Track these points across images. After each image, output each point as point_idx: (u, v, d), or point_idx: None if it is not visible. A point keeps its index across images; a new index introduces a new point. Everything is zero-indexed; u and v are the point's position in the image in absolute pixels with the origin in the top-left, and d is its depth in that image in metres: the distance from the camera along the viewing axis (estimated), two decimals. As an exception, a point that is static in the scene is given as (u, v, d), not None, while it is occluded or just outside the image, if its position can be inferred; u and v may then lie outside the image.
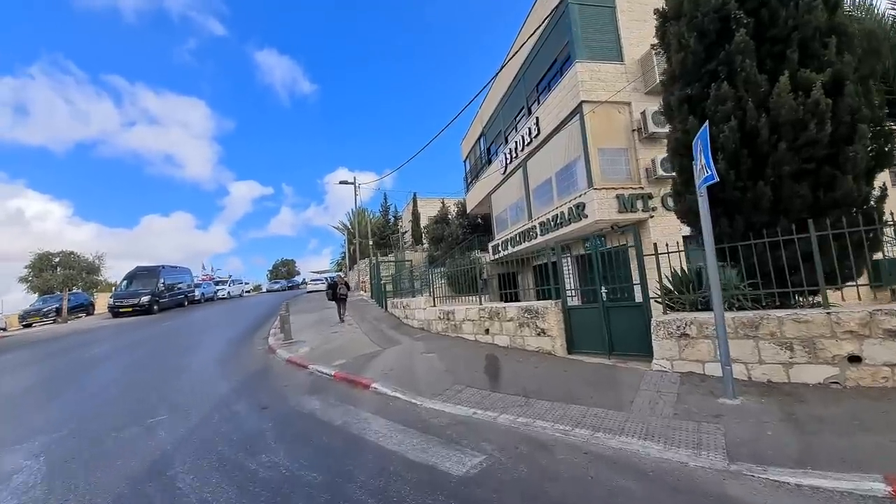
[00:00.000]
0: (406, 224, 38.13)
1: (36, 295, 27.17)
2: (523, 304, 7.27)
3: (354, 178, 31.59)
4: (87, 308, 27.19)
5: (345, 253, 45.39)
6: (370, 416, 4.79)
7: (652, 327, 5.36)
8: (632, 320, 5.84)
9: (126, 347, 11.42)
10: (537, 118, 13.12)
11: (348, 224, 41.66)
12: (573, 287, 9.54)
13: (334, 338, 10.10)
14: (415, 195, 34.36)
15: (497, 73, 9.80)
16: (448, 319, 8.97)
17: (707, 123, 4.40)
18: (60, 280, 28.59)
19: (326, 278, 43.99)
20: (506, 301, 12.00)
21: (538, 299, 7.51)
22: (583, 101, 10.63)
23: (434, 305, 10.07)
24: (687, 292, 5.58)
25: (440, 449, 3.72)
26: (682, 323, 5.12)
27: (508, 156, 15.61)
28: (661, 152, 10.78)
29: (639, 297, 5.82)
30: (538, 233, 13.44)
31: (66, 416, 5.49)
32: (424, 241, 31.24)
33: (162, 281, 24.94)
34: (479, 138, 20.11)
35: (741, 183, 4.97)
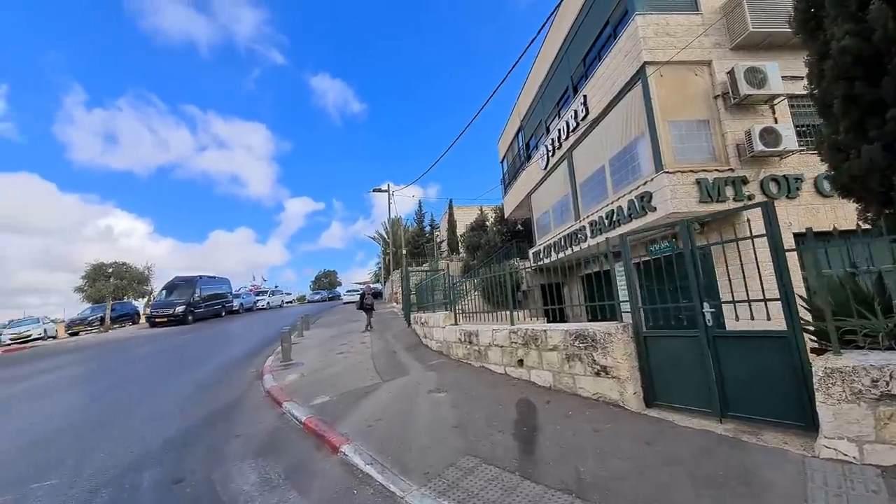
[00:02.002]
0: (443, 233, 36.46)
1: (88, 304, 28.26)
2: (572, 326, 5.04)
3: (388, 186, 30.43)
4: (133, 317, 27.91)
5: (380, 264, 44.59)
6: (311, 521, 2.84)
7: (816, 378, 2.97)
8: (764, 361, 3.48)
9: (124, 364, 10.42)
10: (585, 97, 10.86)
11: (384, 233, 40.77)
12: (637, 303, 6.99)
13: (335, 361, 8.34)
14: (450, 202, 32.65)
15: (533, 39, 7.81)
16: (470, 343, 6.87)
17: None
18: (111, 290, 29.68)
19: (363, 289, 43.45)
20: (550, 320, 9.68)
21: (589, 318, 5.25)
22: (646, 63, 8.28)
23: (455, 323, 8.01)
24: (868, 316, 3.16)
25: None
26: (884, 374, 2.72)
27: (550, 147, 13.38)
28: (759, 121, 8.14)
29: (763, 318, 3.45)
30: (588, 234, 11.03)
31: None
32: (461, 249, 29.29)
33: (198, 291, 24.95)
34: (516, 134, 17.99)
35: None
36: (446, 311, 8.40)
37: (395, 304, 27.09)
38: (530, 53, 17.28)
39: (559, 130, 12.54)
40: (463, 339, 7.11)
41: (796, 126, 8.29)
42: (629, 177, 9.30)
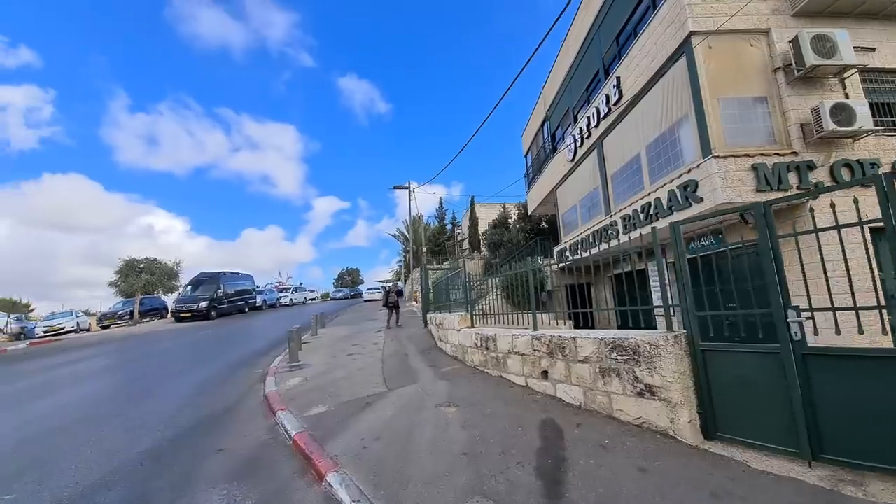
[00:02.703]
0: (465, 231, 35.69)
1: (120, 299, 29.14)
2: (608, 334, 4.21)
3: (409, 183, 29.93)
4: (161, 312, 28.56)
5: (401, 262, 44.33)
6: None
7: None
8: (878, 390, 2.58)
9: (135, 360, 10.25)
10: (618, 79, 9.87)
11: (405, 231, 40.40)
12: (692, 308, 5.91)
13: (343, 364, 7.77)
14: (472, 199, 31.82)
15: (561, 14, 6.98)
16: (487, 349, 6.11)
17: None
18: (142, 285, 30.53)
19: (384, 287, 43.33)
20: (578, 324, 8.82)
21: (618, 324, 4.42)
22: (692, 33, 7.26)
23: (472, 326, 7.26)
24: None
25: None
26: None
27: (578, 138, 12.40)
28: (828, 96, 6.99)
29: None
30: (619, 230, 10.05)
31: None
32: (482, 247, 28.46)
33: (221, 287, 25.22)
34: (542, 125, 17.01)
35: None
36: (462, 312, 7.66)
37: (414, 302, 26.59)
38: (557, 38, 16.27)
39: (588, 118, 11.56)
40: (479, 345, 6.36)
41: (870, 104, 7.08)
42: (669, 165, 8.28)
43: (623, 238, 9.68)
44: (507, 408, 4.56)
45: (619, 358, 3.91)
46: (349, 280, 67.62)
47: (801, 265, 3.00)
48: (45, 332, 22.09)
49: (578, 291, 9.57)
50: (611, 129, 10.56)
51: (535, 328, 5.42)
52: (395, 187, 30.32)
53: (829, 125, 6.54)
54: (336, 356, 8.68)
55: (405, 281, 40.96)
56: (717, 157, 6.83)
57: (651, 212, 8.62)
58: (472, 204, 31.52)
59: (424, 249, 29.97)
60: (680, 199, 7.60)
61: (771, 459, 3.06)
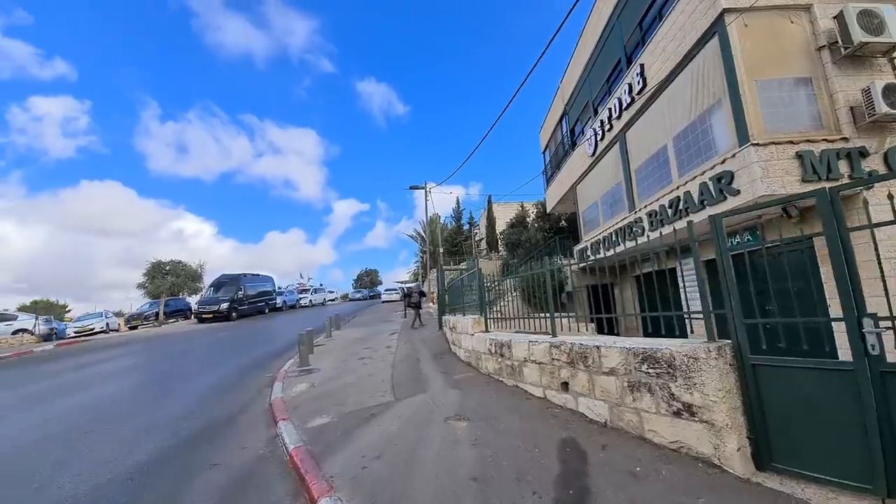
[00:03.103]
0: (482, 231, 35.16)
1: (147, 300, 30.02)
2: (637, 344, 3.73)
3: (425, 183, 29.68)
4: (185, 312, 29.15)
5: (419, 262, 44.18)
6: None
7: None
8: None
9: (149, 362, 10.30)
10: (641, 66, 9.26)
11: (422, 232, 40.18)
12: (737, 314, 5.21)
13: (353, 369, 7.48)
14: (489, 198, 31.31)
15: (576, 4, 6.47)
16: (502, 356, 5.68)
17: None
18: (167, 286, 31.36)
19: (402, 288, 43.25)
20: (599, 329, 8.32)
21: (650, 330, 3.93)
22: (725, 10, 6.64)
23: (486, 330, 6.83)
24: None
25: None
26: None
27: (598, 131, 11.81)
28: (879, 76, 6.26)
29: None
30: (645, 227, 9.44)
31: None
32: (500, 247, 27.90)
33: (242, 289, 25.53)
34: (559, 120, 16.42)
35: None
36: (476, 315, 7.25)
37: (431, 304, 26.30)
38: (574, 30, 15.58)
39: (609, 110, 10.97)
40: (493, 351, 5.93)
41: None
42: (700, 155, 7.65)
43: (651, 236, 9.08)
44: (522, 423, 4.13)
45: (650, 371, 3.43)
46: (368, 281, 68.08)
47: (879, 263, 2.47)
48: (75, 332, 22.82)
49: (602, 292, 9.03)
50: (634, 120, 9.95)
51: (554, 334, 4.97)
52: (411, 187, 30.19)
53: (882, 108, 5.83)
54: (347, 360, 8.41)
55: (423, 282, 40.77)
56: (757, 144, 6.20)
57: (680, 207, 8.00)
58: (490, 203, 31.01)
59: (441, 250, 29.66)
60: (713, 193, 6.98)
61: (838, 496, 2.55)
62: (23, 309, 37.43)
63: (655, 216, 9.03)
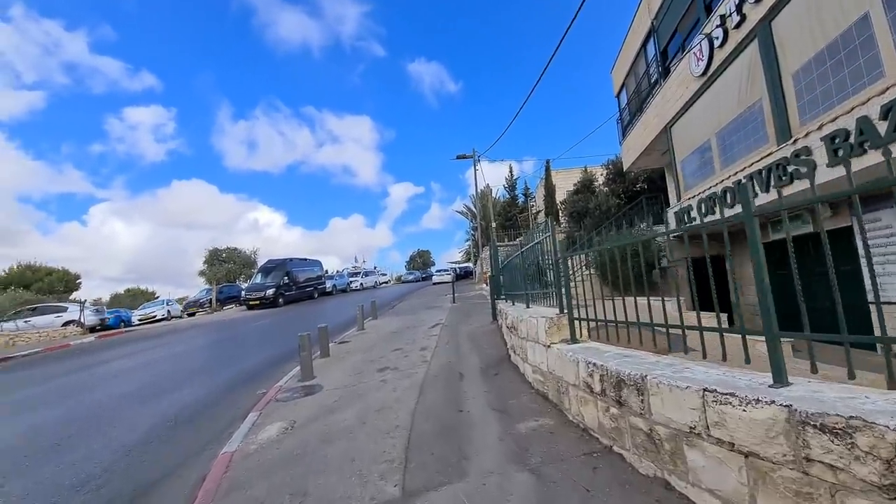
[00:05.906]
0: (539, 202, 31.43)
1: (206, 285, 30.65)
2: None
3: (473, 151, 26.54)
4: (239, 298, 29.38)
5: (470, 241, 41.40)
6: None
7: None
8: None
9: (151, 362, 8.87)
10: None
11: (472, 206, 37.24)
12: None
13: (364, 391, 5.08)
14: (548, 163, 27.41)
15: None
16: (621, 403, 2.79)
17: None
18: (224, 273, 31.85)
19: (455, 269, 41.07)
20: (701, 315, 4.98)
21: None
22: None
23: (575, 339, 3.91)
24: None
25: None
26: None
27: (719, 32, 8.07)
28: None
29: None
30: (816, 161, 5.87)
31: None
32: (561, 219, 24.24)
33: (289, 274, 24.68)
34: (643, 43, 12.47)
35: None
36: (553, 310, 4.39)
37: (484, 284, 23.68)
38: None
39: (739, -7, 7.21)
40: (598, 390, 3.07)
41: None
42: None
43: (829, 175, 5.54)
44: None
45: None
46: (420, 262, 66.94)
47: None
48: (139, 320, 23.48)
49: (712, 266, 5.72)
50: (791, -6, 6.22)
51: (782, 379, 2.03)
52: (458, 157, 27.14)
53: None
54: (363, 372, 6.07)
55: (475, 261, 38.10)
56: None
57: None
58: (548, 169, 27.15)
59: (494, 225, 26.62)
60: None
61: None
62: (116, 298, 40.96)
63: (839, 140, 5.45)
